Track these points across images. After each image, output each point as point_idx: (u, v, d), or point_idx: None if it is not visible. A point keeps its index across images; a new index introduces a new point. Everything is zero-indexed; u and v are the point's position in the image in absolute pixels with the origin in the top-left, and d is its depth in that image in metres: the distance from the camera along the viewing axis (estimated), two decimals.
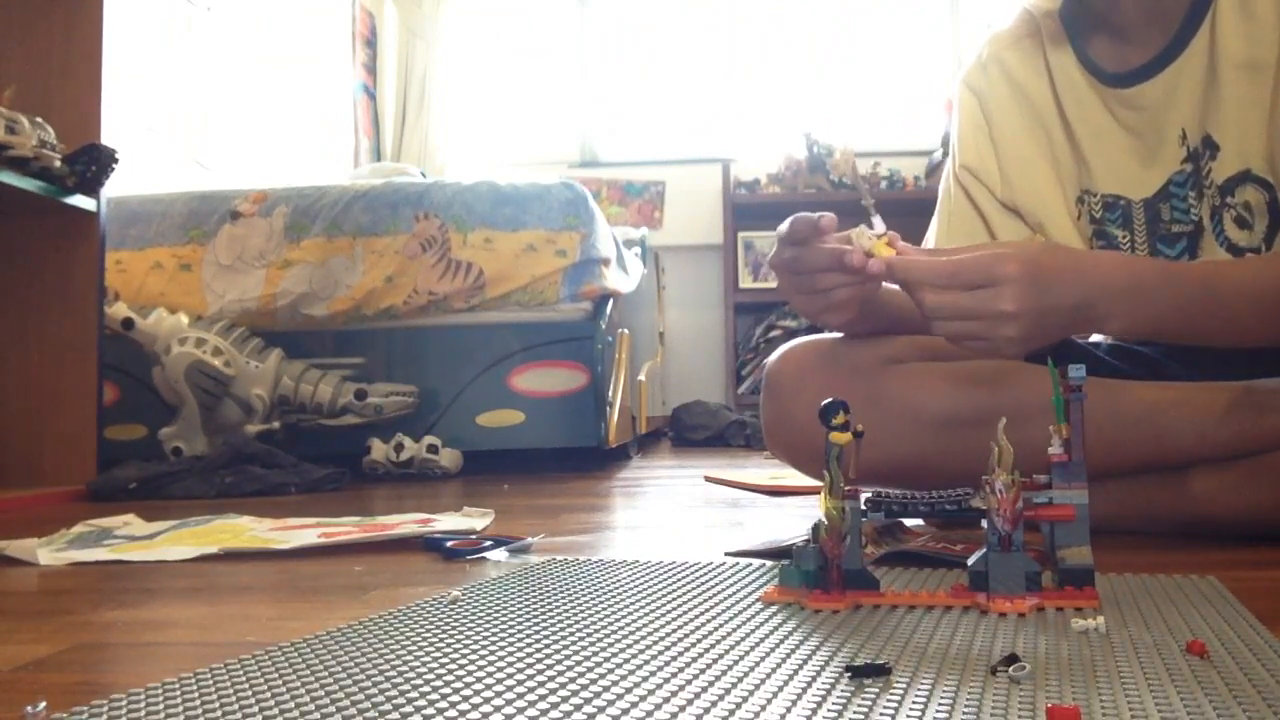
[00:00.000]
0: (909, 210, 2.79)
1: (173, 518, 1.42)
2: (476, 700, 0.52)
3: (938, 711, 0.48)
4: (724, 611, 0.73)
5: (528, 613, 0.74)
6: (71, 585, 0.98)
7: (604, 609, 0.75)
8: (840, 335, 1.20)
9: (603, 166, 4.67)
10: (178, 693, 0.54)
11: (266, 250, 2.42)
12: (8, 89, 1.93)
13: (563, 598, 0.80)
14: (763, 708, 0.49)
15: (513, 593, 0.83)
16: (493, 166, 4.50)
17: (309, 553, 1.13)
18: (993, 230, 1.26)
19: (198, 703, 0.52)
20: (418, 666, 0.59)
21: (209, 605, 0.86)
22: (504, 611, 0.75)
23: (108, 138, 2.07)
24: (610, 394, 2.47)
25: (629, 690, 0.53)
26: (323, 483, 1.98)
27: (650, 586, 0.84)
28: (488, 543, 1.10)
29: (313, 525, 1.32)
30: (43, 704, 0.50)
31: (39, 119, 1.89)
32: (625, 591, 0.82)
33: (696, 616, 0.72)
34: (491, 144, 4.72)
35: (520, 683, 0.55)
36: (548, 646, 0.63)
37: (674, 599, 0.78)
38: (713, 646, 0.63)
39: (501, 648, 0.63)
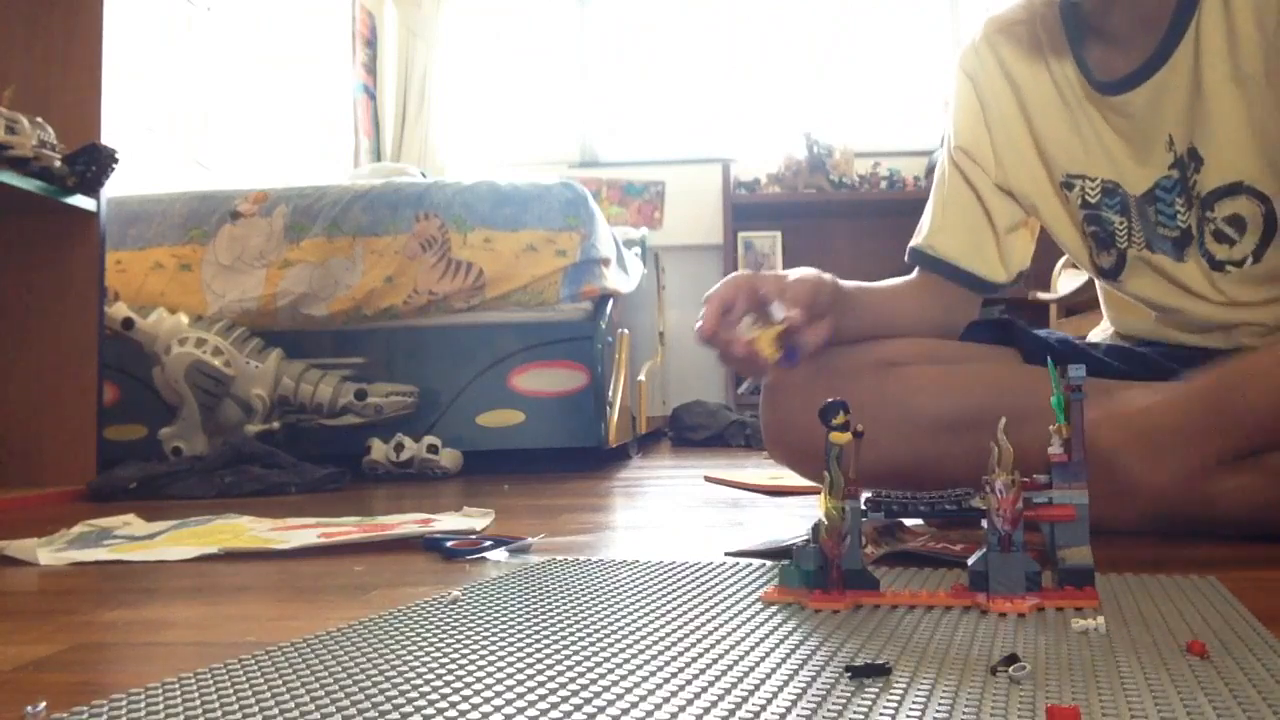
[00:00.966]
0: (909, 210, 2.78)
1: (173, 518, 1.42)
2: (476, 700, 0.52)
3: (938, 711, 0.48)
4: (724, 611, 0.73)
5: (528, 613, 0.74)
6: (71, 585, 0.98)
7: (604, 609, 0.75)
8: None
9: (603, 166, 4.67)
10: (178, 693, 0.54)
11: (266, 250, 2.41)
12: (8, 89, 1.93)
13: (563, 598, 0.80)
14: (763, 708, 0.49)
15: (513, 593, 0.83)
16: (493, 166, 4.50)
17: (309, 553, 1.13)
18: (989, 211, 1.27)
19: (198, 703, 0.52)
20: (418, 666, 0.59)
21: (209, 605, 0.86)
22: (504, 611, 0.75)
23: (108, 138, 2.07)
24: (610, 394, 2.47)
25: (629, 690, 0.53)
26: (323, 483, 1.98)
27: (650, 586, 0.84)
28: (488, 543, 1.10)
29: (313, 525, 1.32)
30: (43, 704, 0.50)
31: (39, 119, 1.89)
32: (625, 591, 0.82)
33: (696, 616, 0.72)
34: (491, 144, 4.72)
35: (520, 683, 0.55)
36: (548, 646, 0.63)
37: (674, 599, 0.78)
38: (713, 646, 0.63)
39: (501, 648, 0.63)
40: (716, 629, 0.68)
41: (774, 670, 0.57)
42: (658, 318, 3.89)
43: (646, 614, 0.73)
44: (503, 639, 0.66)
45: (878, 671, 0.55)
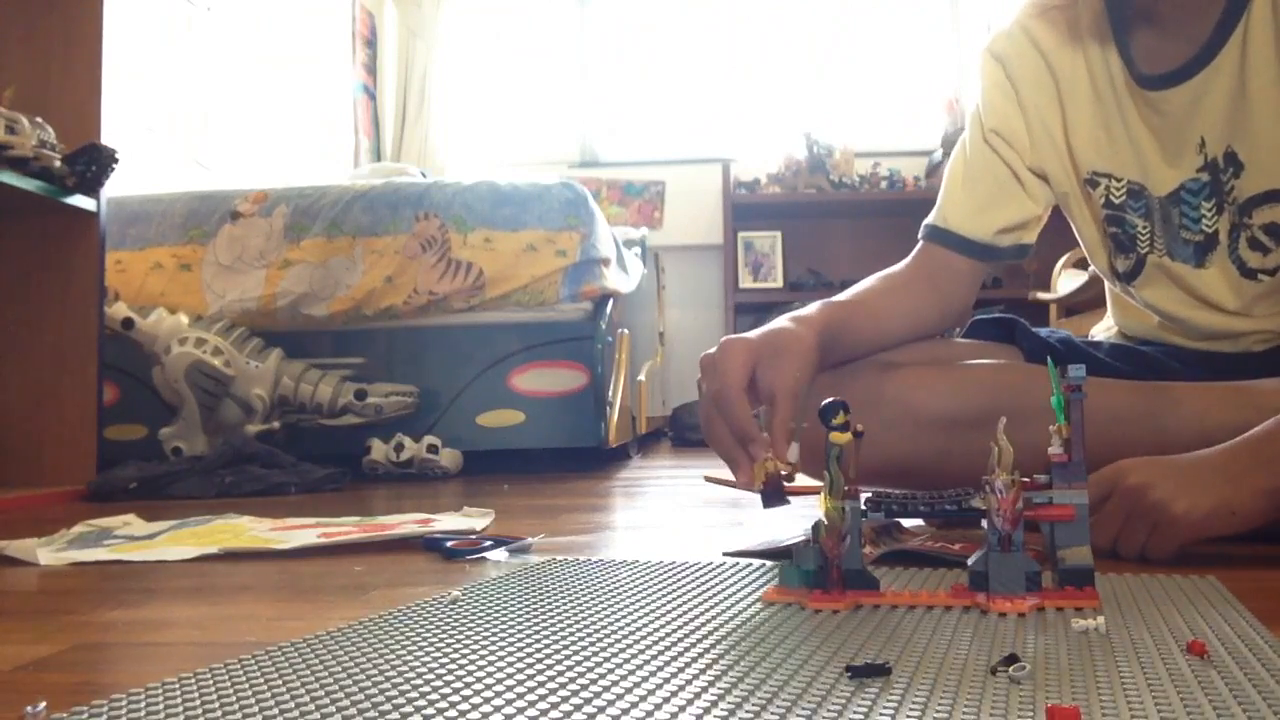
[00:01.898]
0: (909, 210, 2.79)
1: (173, 518, 1.42)
2: (476, 700, 0.52)
3: (938, 711, 0.48)
4: (724, 611, 0.73)
5: (528, 613, 0.74)
6: (71, 585, 0.98)
7: (604, 609, 0.75)
8: None
9: (603, 166, 4.67)
10: (178, 693, 0.54)
11: (266, 250, 2.42)
12: (8, 89, 1.93)
13: (563, 598, 0.80)
14: (763, 708, 0.49)
15: (513, 593, 0.83)
16: (493, 166, 4.50)
17: (309, 553, 1.13)
18: (1027, 191, 1.23)
19: (198, 703, 0.52)
20: (418, 666, 0.59)
21: (209, 605, 0.86)
22: (504, 611, 0.75)
23: (108, 138, 2.07)
24: (610, 394, 2.47)
25: (629, 690, 0.53)
26: (323, 483, 1.98)
27: (650, 586, 0.84)
28: (488, 543, 1.10)
29: (313, 525, 1.32)
30: (43, 704, 0.50)
31: (39, 119, 1.89)
32: (625, 591, 0.82)
33: (696, 616, 0.72)
34: (491, 144, 4.72)
35: (520, 683, 0.55)
36: (548, 646, 0.63)
37: (674, 599, 0.78)
38: (713, 646, 0.63)
39: (501, 648, 0.63)
40: (716, 629, 0.68)
41: (774, 670, 0.57)
42: (658, 318, 3.89)
43: (646, 614, 0.73)
44: (503, 639, 0.66)
45: (878, 671, 0.55)
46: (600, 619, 0.71)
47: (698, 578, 0.88)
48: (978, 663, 0.57)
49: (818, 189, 4.33)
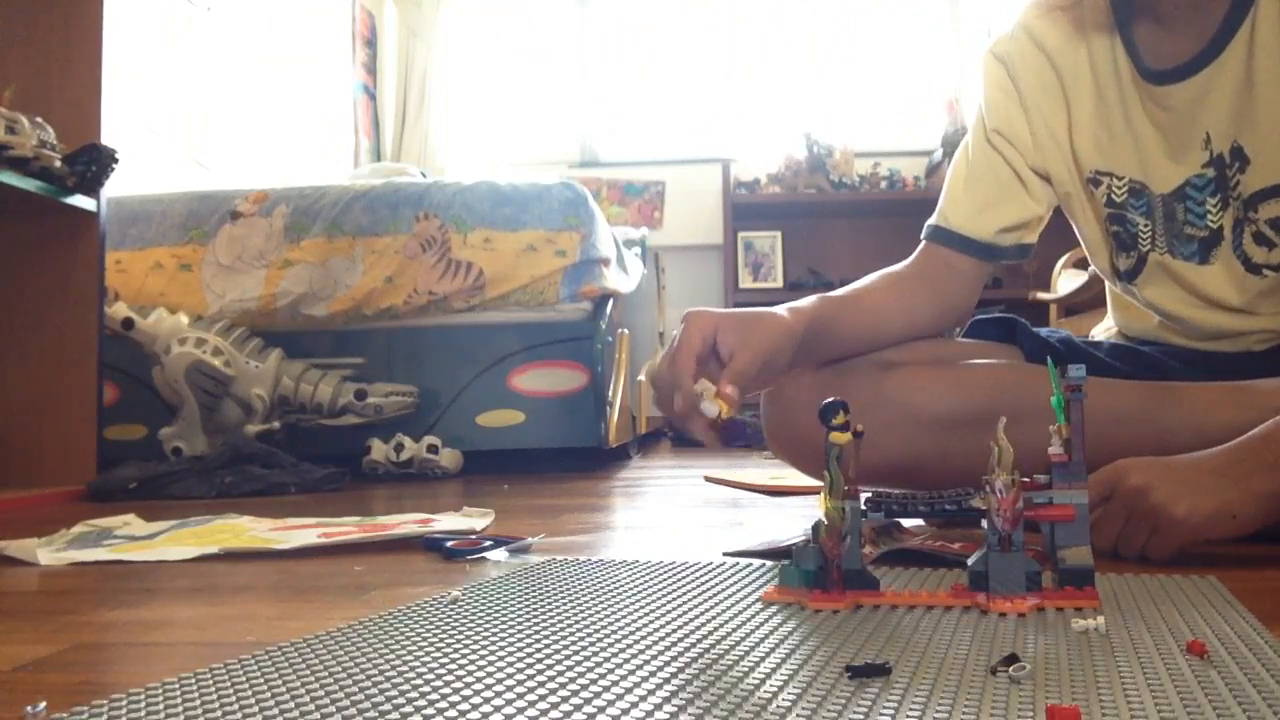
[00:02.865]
0: (909, 210, 2.79)
1: (173, 518, 1.42)
2: (476, 700, 0.52)
3: (938, 711, 0.48)
4: (724, 611, 0.73)
5: (528, 613, 0.74)
6: (71, 585, 0.98)
7: (604, 609, 0.75)
8: None
9: (603, 166, 4.67)
10: (178, 693, 0.54)
11: (266, 250, 2.42)
12: (8, 89, 1.93)
13: (563, 598, 0.80)
14: (763, 708, 0.49)
15: (513, 593, 0.83)
16: (493, 166, 4.50)
17: (309, 553, 1.13)
18: (1029, 191, 1.23)
19: (198, 703, 0.52)
20: (418, 666, 0.59)
21: (209, 605, 0.86)
22: (504, 611, 0.75)
23: (108, 138, 2.07)
24: (610, 394, 2.47)
25: (629, 690, 0.53)
26: (323, 483, 1.98)
27: (650, 586, 0.84)
28: (488, 543, 1.10)
29: (313, 525, 1.32)
30: (43, 704, 0.50)
31: (39, 119, 1.89)
32: (625, 591, 0.82)
33: (696, 616, 0.72)
34: (491, 144, 4.72)
35: (520, 683, 0.55)
36: (548, 646, 0.63)
37: (674, 599, 0.78)
38: (713, 646, 0.63)
39: (501, 648, 0.63)
40: (716, 629, 0.68)
41: (774, 670, 0.57)
42: (658, 318, 3.89)
43: (646, 614, 0.73)
44: (503, 639, 0.66)
45: (878, 671, 0.55)
46: (600, 619, 0.71)
47: (698, 578, 0.88)
48: (978, 663, 0.57)
49: (818, 189, 4.33)
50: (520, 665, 0.59)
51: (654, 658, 0.60)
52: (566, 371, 2.40)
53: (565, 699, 0.52)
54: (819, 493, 0.75)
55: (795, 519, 1.38)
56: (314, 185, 2.54)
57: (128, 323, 2.23)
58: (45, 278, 2.06)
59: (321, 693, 0.54)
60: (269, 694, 0.53)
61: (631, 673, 0.57)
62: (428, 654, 0.62)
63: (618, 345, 2.63)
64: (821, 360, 1.18)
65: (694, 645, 0.63)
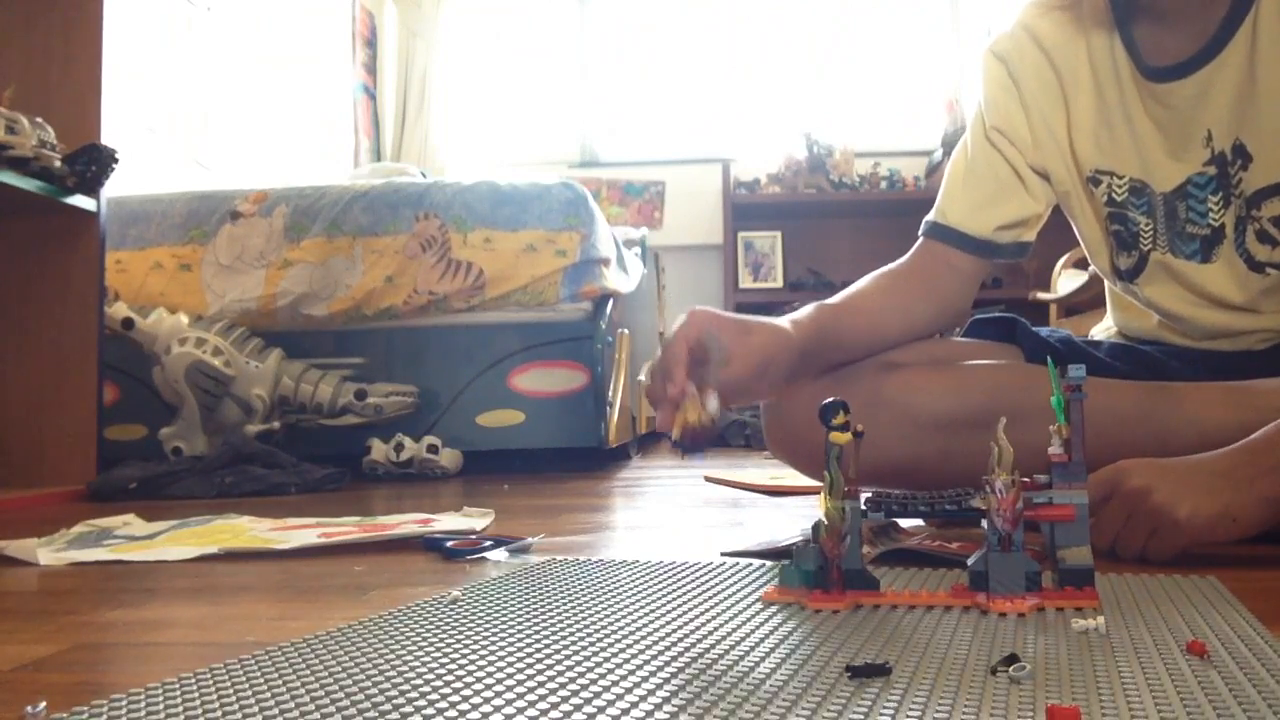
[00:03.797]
0: (909, 210, 2.78)
1: (173, 518, 1.42)
2: (476, 700, 0.52)
3: (938, 711, 0.48)
4: (724, 611, 0.73)
5: (528, 613, 0.74)
6: (71, 585, 0.98)
7: (604, 609, 0.75)
8: None
9: (603, 166, 4.67)
10: (178, 693, 0.54)
11: (266, 250, 2.42)
12: (8, 89, 1.93)
13: (563, 598, 0.80)
14: (763, 708, 0.49)
15: (513, 593, 0.83)
16: (493, 166, 4.50)
17: (309, 553, 1.13)
18: (1028, 189, 1.23)
19: (198, 703, 0.52)
20: (418, 666, 0.59)
21: (209, 605, 0.86)
22: (504, 611, 0.75)
23: (108, 138, 2.07)
24: (610, 394, 2.47)
25: (629, 690, 0.53)
26: (323, 483, 1.98)
27: (650, 586, 0.84)
28: (488, 543, 1.10)
29: (313, 525, 1.32)
30: (43, 704, 0.50)
31: (39, 119, 1.89)
32: (625, 591, 0.82)
33: (696, 616, 0.72)
34: (491, 144, 4.72)
35: (520, 683, 0.55)
36: (548, 646, 0.63)
37: (674, 599, 0.78)
38: (713, 646, 0.63)
39: (501, 648, 0.63)
40: (716, 629, 0.68)
41: (774, 670, 0.57)
42: (658, 318, 3.89)
43: (646, 614, 0.73)
44: (503, 639, 0.66)
45: (878, 671, 0.55)
46: (600, 619, 0.71)
47: (698, 578, 0.88)
48: (978, 663, 0.57)
49: (818, 189, 4.33)
50: (520, 665, 0.59)
51: (654, 658, 0.60)
52: (566, 371, 2.40)
53: (565, 699, 0.52)
54: (819, 493, 0.75)
55: (795, 519, 1.38)
56: (314, 185, 2.54)
57: (128, 323, 2.23)
58: (45, 278, 2.06)
59: (321, 693, 0.54)
60: (269, 694, 0.53)
61: (631, 673, 0.57)
62: (428, 654, 0.62)
63: (618, 345, 2.63)
64: (822, 370, 1.18)
65: (694, 645, 0.63)
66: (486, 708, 0.50)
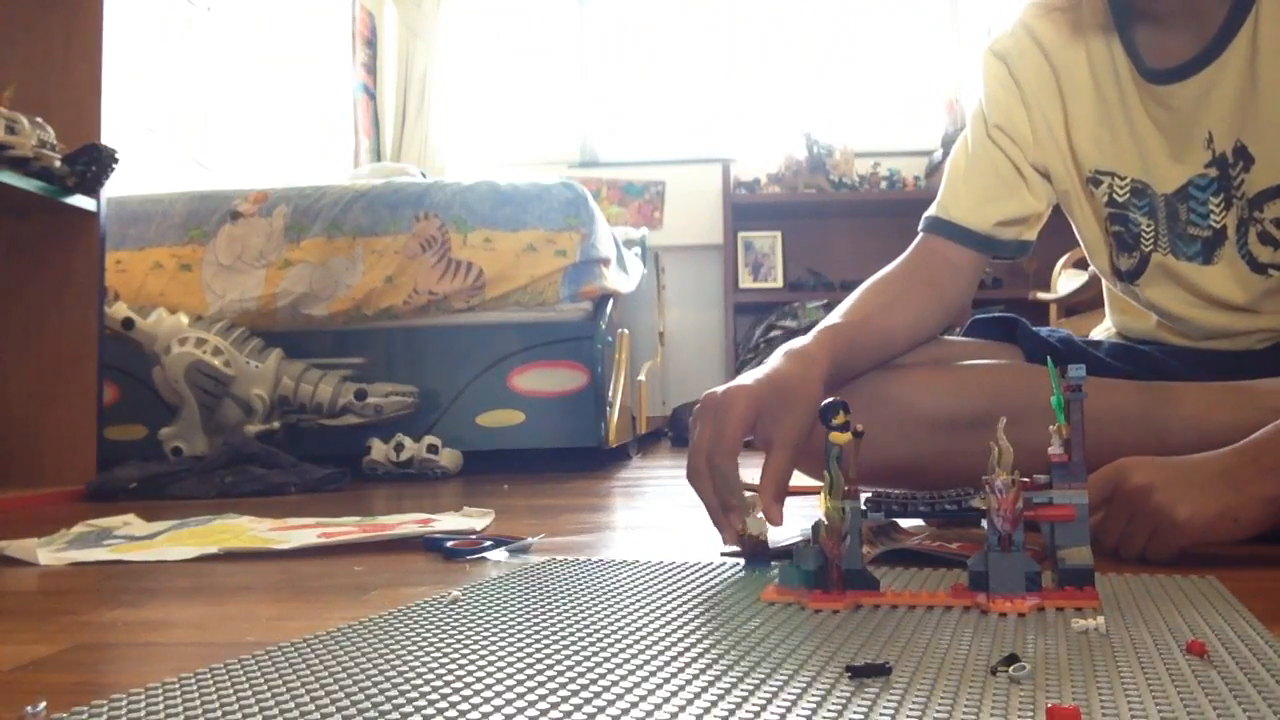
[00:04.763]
0: (909, 210, 2.77)
1: (173, 518, 1.42)
2: (476, 700, 0.52)
3: (938, 711, 0.48)
4: (724, 611, 0.73)
5: (528, 613, 0.74)
6: (71, 585, 0.98)
7: (604, 609, 0.75)
8: None
9: (603, 166, 4.67)
10: (178, 693, 0.54)
11: (266, 250, 2.42)
12: (8, 89, 1.93)
13: (563, 598, 0.80)
14: (763, 708, 0.49)
15: (513, 593, 0.83)
16: (493, 166, 4.50)
17: (309, 553, 1.13)
18: (1029, 186, 1.23)
19: (198, 703, 0.52)
20: (418, 666, 0.59)
21: (209, 605, 0.86)
22: (504, 611, 0.75)
23: (108, 138, 2.07)
24: (610, 394, 2.47)
25: (629, 690, 0.53)
26: (323, 483, 1.98)
27: (650, 586, 0.84)
28: (488, 543, 1.10)
29: (313, 525, 1.32)
30: (43, 704, 0.50)
31: (39, 119, 1.89)
32: (625, 591, 0.82)
33: (696, 616, 0.72)
34: (491, 144, 4.72)
35: (520, 683, 0.55)
36: (548, 646, 0.63)
37: (674, 599, 0.78)
38: (713, 646, 0.63)
39: (501, 648, 0.63)
40: (716, 629, 0.68)
41: (774, 670, 0.57)
42: (658, 318, 3.89)
43: (646, 614, 0.73)
44: (503, 639, 0.66)
45: (878, 671, 0.55)
46: (600, 619, 0.71)
47: (698, 578, 0.88)
48: (978, 663, 0.57)
49: (818, 189, 4.33)
50: (520, 665, 0.59)
51: (654, 658, 0.60)
52: (566, 371, 2.40)
53: (565, 699, 0.52)
54: (819, 493, 0.75)
55: (795, 519, 1.38)
56: (314, 185, 2.54)
57: (128, 323, 2.23)
58: (45, 278, 2.06)
59: (321, 693, 0.54)
60: (269, 694, 0.53)
61: (631, 673, 0.57)
62: (428, 654, 0.62)
63: (618, 345, 2.63)
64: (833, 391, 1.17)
65: (694, 645, 0.63)
66: (486, 708, 0.50)
